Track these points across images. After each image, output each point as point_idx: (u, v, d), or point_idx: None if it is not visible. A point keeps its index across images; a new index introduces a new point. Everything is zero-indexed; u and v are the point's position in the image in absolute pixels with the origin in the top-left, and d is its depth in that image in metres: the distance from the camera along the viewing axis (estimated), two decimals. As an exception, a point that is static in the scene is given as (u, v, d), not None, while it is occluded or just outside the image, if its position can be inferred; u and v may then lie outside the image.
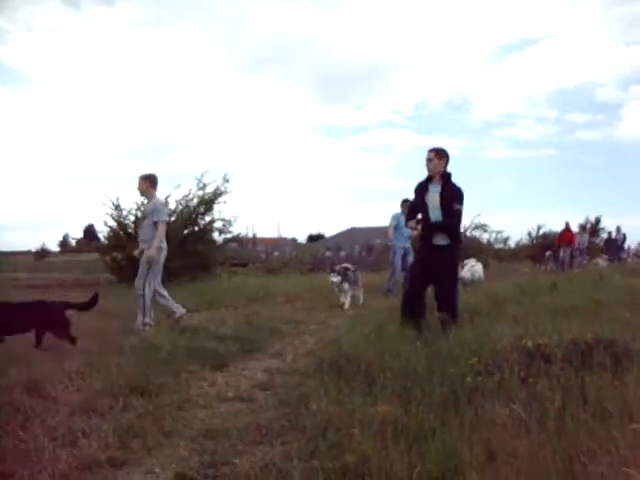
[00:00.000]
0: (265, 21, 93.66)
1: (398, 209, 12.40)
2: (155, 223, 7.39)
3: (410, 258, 11.19)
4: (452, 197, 6.11)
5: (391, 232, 12.02)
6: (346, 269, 10.18)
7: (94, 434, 3.29)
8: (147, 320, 7.04)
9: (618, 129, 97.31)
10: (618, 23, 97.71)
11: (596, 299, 7.49)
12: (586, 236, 25.93)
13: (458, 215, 6.21)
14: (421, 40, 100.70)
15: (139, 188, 7.60)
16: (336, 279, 9.86)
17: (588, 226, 33.58)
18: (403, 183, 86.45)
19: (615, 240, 26.34)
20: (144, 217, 7.64)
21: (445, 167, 6.22)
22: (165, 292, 7.50)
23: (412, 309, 6.13)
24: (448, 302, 6.11)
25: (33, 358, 4.92)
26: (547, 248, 25.27)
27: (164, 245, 7.54)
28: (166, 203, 14.33)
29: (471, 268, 12.74)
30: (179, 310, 7.40)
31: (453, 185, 6.20)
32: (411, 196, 6.75)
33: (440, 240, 6.14)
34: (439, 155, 6.21)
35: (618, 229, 26.46)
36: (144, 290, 7.17)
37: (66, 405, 3.78)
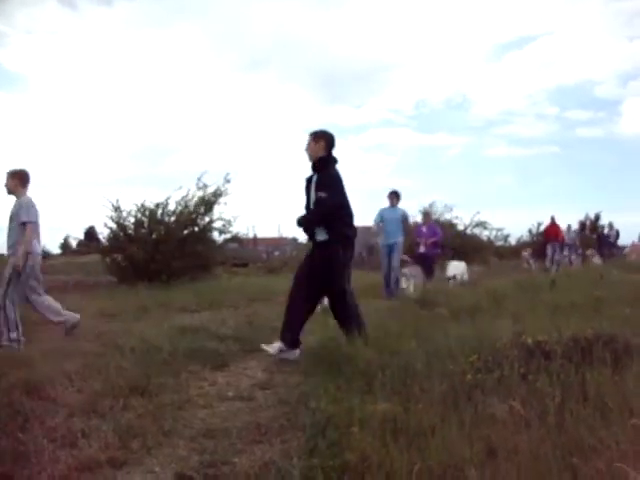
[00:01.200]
0: (264, 21, 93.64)
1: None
2: (23, 224, 6.29)
3: (396, 256, 10.97)
4: (320, 185, 5.49)
5: (375, 228, 11.58)
6: None
7: (94, 434, 3.29)
8: (14, 336, 6.04)
9: (618, 125, 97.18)
10: (618, 18, 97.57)
11: (596, 295, 7.49)
12: (575, 232, 25.13)
13: (321, 204, 5.45)
14: (420, 39, 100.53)
15: (6, 185, 6.53)
16: None
17: (587, 223, 33.42)
18: (404, 181, 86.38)
19: (607, 236, 25.83)
20: (11, 219, 6.45)
21: (325, 151, 5.58)
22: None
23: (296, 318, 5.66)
24: (338, 311, 5.72)
25: (33, 359, 4.92)
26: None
27: (37, 250, 6.49)
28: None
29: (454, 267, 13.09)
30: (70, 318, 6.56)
31: (327, 171, 5.55)
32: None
33: (319, 235, 5.56)
34: (315, 138, 5.59)
35: (610, 225, 25.90)
36: (4, 304, 6.09)
37: (66, 406, 3.78)
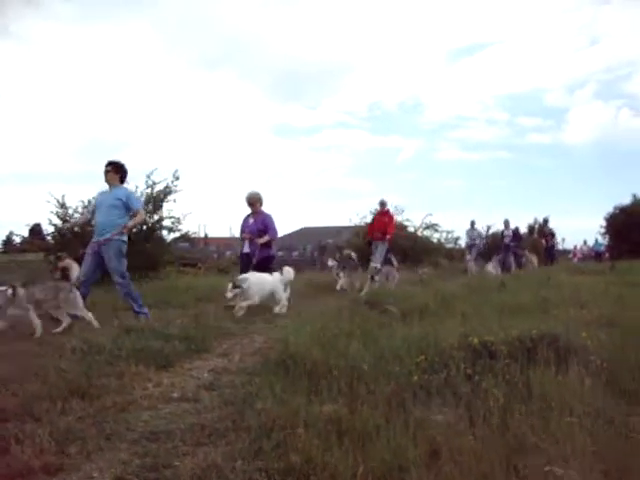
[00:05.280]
0: (219, 18, 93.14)
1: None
2: None
3: (112, 259, 7.55)
4: None
5: (83, 218, 8.41)
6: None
7: (28, 440, 3.13)
8: None
9: (566, 133, 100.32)
10: (566, 30, 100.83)
11: (542, 297, 7.66)
12: (477, 231, 21.88)
13: None
14: (375, 42, 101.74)
15: None
16: None
17: (536, 227, 33.93)
18: (358, 182, 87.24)
19: (502, 237, 21.17)
20: None
21: None
22: None
23: None
24: None
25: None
26: (497, 249, 21.14)
27: None
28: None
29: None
30: None
31: None
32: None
33: None
34: None
35: (506, 223, 21.25)
36: None
37: (-1, 411, 3.62)
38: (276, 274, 8.96)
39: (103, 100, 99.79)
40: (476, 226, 21.70)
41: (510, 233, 20.78)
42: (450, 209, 76.04)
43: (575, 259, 31.00)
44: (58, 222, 13.84)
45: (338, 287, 12.68)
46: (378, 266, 12.66)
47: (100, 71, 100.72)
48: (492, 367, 3.84)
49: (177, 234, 15.29)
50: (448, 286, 11.28)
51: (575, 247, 33.91)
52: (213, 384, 4.50)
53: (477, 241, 21.28)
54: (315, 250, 33.06)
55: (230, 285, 8.29)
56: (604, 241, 33.25)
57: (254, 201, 9.94)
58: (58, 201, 13.72)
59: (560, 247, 34.26)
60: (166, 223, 14.80)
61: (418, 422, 3.00)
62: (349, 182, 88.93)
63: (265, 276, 8.78)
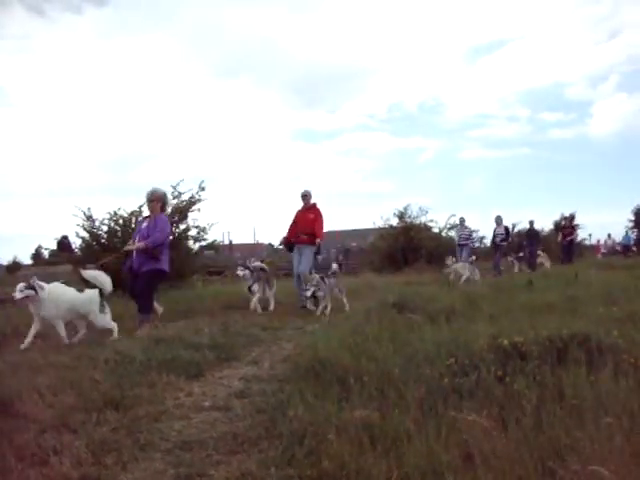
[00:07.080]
0: (237, 27, 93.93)
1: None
2: None
3: None
4: None
5: None
6: None
7: (66, 451, 3.20)
8: None
9: (589, 126, 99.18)
10: (585, 23, 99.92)
11: (571, 295, 7.57)
12: (469, 229, 19.23)
13: None
14: (392, 44, 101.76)
15: None
16: None
17: (562, 223, 33.35)
18: (380, 185, 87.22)
19: (494, 237, 18.62)
20: None
21: None
22: None
23: None
24: None
25: (1, 373, 4.81)
26: (519, 247, 19.85)
27: None
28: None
29: None
30: None
31: None
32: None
33: None
34: None
35: (498, 220, 18.64)
36: None
37: (36, 422, 3.67)
38: (89, 290, 7.27)
39: (127, 113, 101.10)
40: (466, 224, 19.25)
41: (502, 231, 18.32)
42: (474, 208, 75.64)
43: (599, 255, 30.05)
44: (85, 235, 14.01)
45: (252, 306, 9.98)
46: (316, 277, 9.72)
47: (122, 85, 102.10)
48: (523, 368, 3.80)
49: (203, 243, 15.41)
50: (474, 286, 11.21)
51: (598, 241, 32.99)
52: (244, 392, 4.53)
53: (468, 241, 18.95)
54: (340, 254, 33.12)
55: (22, 284, 6.69)
56: (633, 235, 32.61)
57: (155, 198, 8.18)
58: (85, 213, 13.88)
59: (587, 242, 33.70)
60: (192, 233, 14.92)
61: (450, 426, 2.99)
62: (372, 185, 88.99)
63: (66, 290, 7.15)
